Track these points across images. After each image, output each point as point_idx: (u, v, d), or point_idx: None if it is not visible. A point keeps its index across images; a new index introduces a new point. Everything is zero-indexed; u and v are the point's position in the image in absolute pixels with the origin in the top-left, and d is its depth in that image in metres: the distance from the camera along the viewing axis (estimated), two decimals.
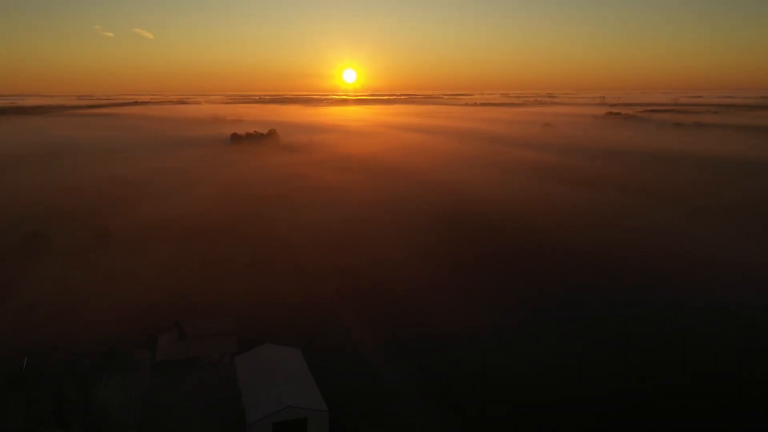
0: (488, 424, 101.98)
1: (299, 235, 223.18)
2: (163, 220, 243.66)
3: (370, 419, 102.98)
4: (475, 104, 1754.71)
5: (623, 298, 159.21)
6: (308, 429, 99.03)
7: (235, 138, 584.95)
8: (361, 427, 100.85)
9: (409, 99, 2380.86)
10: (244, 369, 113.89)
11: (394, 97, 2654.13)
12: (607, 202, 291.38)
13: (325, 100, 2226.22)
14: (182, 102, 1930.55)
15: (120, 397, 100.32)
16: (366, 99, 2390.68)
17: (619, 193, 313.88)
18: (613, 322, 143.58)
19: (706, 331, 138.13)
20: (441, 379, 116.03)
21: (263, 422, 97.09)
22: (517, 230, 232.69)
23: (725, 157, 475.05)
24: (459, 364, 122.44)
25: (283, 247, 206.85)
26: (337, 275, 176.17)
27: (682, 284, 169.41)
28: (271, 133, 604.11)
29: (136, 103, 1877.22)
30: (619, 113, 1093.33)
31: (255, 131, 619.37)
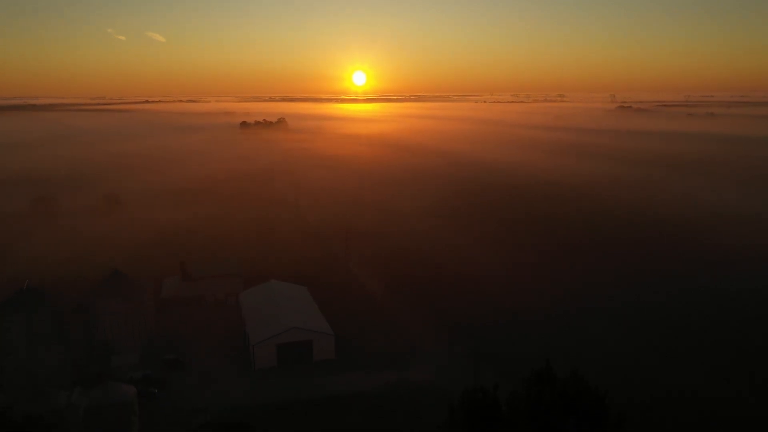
0: (489, 346, 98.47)
1: (307, 200, 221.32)
2: (171, 186, 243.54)
3: (376, 344, 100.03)
4: (485, 102, 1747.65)
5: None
6: (314, 351, 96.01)
7: (245, 124, 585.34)
8: (368, 347, 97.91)
9: (419, 98, 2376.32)
10: (248, 301, 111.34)
11: (404, 97, 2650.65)
12: (639, 174, 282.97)
13: (334, 100, 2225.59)
14: (192, 101, 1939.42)
15: (121, 318, 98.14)
16: (376, 98, 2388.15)
17: (648, 167, 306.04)
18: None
19: None
20: (448, 317, 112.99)
21: (267, 343, 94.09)
22: (529, 192, 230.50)
23: (747, 137, 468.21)
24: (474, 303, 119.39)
25: (291, 210, 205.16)
26: (345, 233, 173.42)
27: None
28: (281, 121, 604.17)
29: (147, 101, 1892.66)
30: (630, 106, 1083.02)
31: (264, 119, 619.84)
